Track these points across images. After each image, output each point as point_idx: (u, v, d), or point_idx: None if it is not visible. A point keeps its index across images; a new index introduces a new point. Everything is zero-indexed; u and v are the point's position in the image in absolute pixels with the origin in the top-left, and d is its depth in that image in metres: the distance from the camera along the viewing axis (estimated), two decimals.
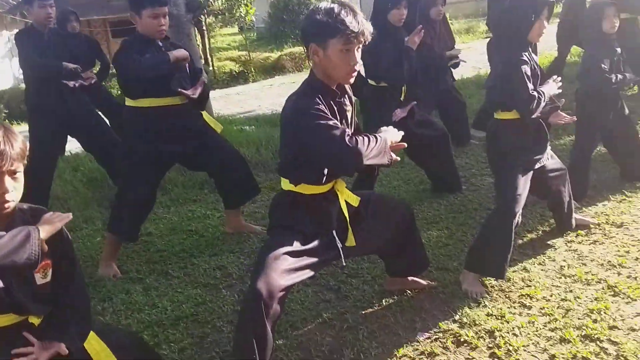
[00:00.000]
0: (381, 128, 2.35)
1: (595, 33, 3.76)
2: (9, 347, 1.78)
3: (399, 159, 2.34)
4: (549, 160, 3.14)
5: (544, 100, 2.85)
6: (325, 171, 2.29)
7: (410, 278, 3.03)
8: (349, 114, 2.35)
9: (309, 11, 2.26)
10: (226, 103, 10.62)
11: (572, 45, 7.14)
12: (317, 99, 2.18)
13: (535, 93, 2.82)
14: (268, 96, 11.24)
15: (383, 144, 2.24)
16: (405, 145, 2.38)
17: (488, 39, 6.85)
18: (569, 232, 3.49)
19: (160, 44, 3.46)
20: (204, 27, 15.67)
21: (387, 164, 2.28)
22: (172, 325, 2.96)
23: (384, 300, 2.99)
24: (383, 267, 3.19)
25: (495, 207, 3.12)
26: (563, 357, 2.41)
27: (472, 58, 8.89)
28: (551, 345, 2.50)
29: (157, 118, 3.48)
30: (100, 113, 5.23)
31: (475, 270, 3.00)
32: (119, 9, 16.65)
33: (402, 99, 4.09)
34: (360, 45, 2.19)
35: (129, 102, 3.53)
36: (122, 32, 18.58)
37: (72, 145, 5.70)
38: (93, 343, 1.90)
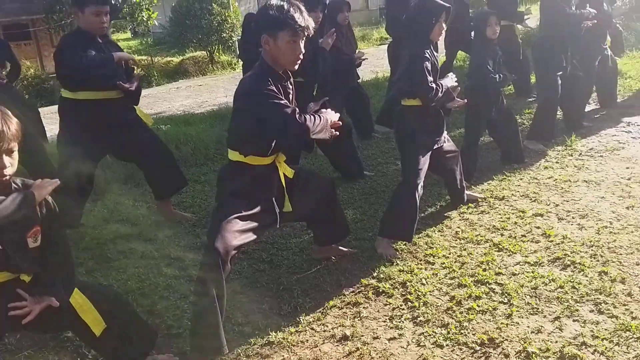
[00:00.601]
0: (322, 109, 2.78)
1: (479, 38, 4.43)
2: (3, 300, 2.04)
3: (338, 134, 2.77)
4: (446, 143, 3.74)
5: (442, 91, 3.42)
6: (273, 144, 2.67)
7: (334, 246, 3.49)
8: (291, 96, 2.75)
9: (261, 6, 2.61)
10: None
11: (459, 50, 7.97)
12: (268, 81, 2.54)
13: (434, 85, 3.38)
14: (176, 98, 11.37)
15: (325, 122, 2.67)
16: (341, 123, 2.80)
17: (387, 45, 7.49)
18: (461, 205, 4.13)
19: (100, 40, 3.68)
20: None
21: (328, 138, 2.71)
22: None
23: (312, 267, 3.43)
24: (309, 241, 3.64)
25: (401, 181, 3.66)
26: (461, 297, 2.97)
27: (369, 63, 9.58)
28: (451, 290, 3.07)
29: (94, 110, 3.71)
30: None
31: (387, 236, 3.52)
32: (12, 12, 15.86)
33: (314, 94, 4.57)
34: (305, 38, 2.58)
35: (66, 93, 3.72)
36: (15, 35, 17.71)
37: None
38: (77, 297, 2.18)
